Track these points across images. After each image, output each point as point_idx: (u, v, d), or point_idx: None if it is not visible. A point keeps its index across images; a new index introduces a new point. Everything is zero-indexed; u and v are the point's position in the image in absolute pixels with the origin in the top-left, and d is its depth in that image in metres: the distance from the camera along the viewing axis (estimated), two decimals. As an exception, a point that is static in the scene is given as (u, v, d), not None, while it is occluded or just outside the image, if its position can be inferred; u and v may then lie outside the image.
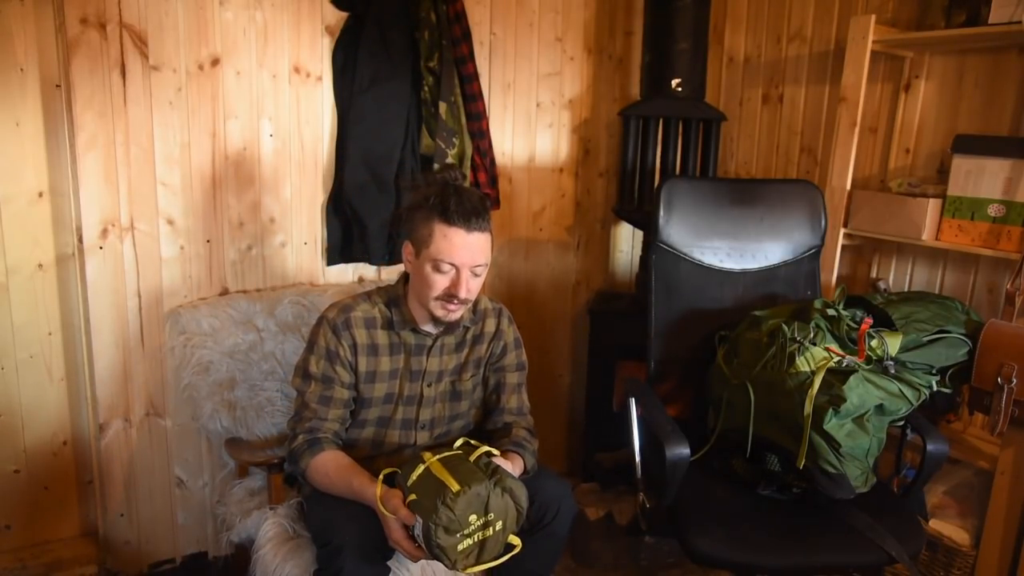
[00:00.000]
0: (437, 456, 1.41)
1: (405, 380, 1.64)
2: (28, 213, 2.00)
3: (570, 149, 2.70)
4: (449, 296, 1.51)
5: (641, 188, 2.53)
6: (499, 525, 1.34)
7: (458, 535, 1.29)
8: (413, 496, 1.34)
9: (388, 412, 1.64)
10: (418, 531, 1.32)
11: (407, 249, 1.56)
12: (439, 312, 1.54)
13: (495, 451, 1.48)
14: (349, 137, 2.16)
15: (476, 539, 1.33)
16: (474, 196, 1.50)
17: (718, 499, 1.68)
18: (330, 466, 1.51)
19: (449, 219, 1.46)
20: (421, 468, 1.38)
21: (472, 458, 1.41)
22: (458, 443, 1.50)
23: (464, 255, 1.48)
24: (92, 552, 2.13)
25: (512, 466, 1.51)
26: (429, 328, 1.62)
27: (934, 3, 2.02)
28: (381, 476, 1.43)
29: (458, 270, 1.49)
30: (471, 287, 1.51)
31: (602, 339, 2.65)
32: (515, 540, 1.39)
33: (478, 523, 1.32)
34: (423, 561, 1.57)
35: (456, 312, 1.55)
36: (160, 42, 1.91)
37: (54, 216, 2.03)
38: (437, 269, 1.49)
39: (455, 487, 1.30)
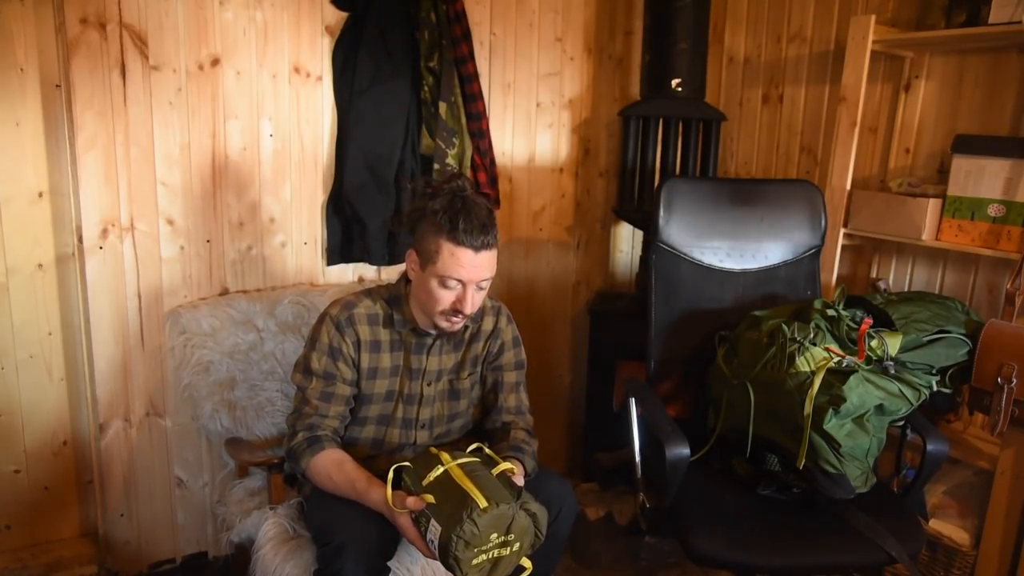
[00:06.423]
0: (456, 461, 1.39)
1: (405, 378, 1.64)
2: (28, 213, 2.00)
3: (570, 149, 2.70)
4: (455, 311, 1.52)
5: (641, 188, 2.53)
6: (516, 547, 1.32)
7: (476, 550, 1.27)
8: (430, 498, 1.33)
9: (389, 410, 1.64)
10: (432, 536, 1.29)
11: (411, 258, 1.56)
12: (443, 324, 1.55)
13: (514, 469, 1.46)
14: (349, 137, 2.16)
15: (491, 556, 1.30)
16: (482, 211, 1.48)
17: (718, 499, 1.68)
18: (331, 467, 1.51)
19: (458, 239, 1.45)
20: (440, 470, 1.37)
21: (495, 472, 1.39)
22: (471, 448, 1.48)
23: (472, 272, 1.48)
24: (92, 552, 2.13)
25: (520, 478, 1.51)
26: (429, 329, 1.62)
27: (934, 3, 2.02)
28: (390, 475, 1.41)
29: (464, 286, 1.49)
30: (476, 301, 1.52)
31: (602, 339, 2.65)
32: (527, 563, 1.37)
33: (497, 541, 1.29)
34: (423, 563, 1.57)
35: (460, 324, 1.57)
36: (160, 42, 1.91)
37: (54, 216, 2.03)
38: (443, 285, 1.49)
39: (483, 503, 1.27)
